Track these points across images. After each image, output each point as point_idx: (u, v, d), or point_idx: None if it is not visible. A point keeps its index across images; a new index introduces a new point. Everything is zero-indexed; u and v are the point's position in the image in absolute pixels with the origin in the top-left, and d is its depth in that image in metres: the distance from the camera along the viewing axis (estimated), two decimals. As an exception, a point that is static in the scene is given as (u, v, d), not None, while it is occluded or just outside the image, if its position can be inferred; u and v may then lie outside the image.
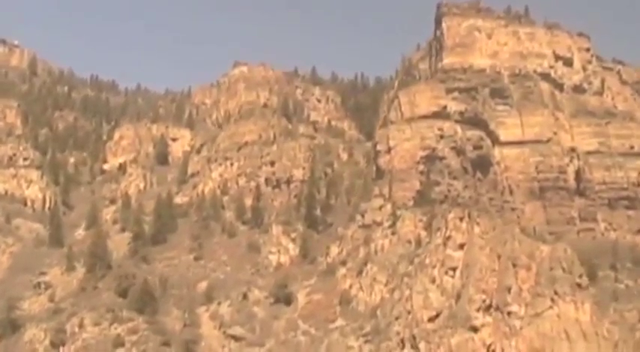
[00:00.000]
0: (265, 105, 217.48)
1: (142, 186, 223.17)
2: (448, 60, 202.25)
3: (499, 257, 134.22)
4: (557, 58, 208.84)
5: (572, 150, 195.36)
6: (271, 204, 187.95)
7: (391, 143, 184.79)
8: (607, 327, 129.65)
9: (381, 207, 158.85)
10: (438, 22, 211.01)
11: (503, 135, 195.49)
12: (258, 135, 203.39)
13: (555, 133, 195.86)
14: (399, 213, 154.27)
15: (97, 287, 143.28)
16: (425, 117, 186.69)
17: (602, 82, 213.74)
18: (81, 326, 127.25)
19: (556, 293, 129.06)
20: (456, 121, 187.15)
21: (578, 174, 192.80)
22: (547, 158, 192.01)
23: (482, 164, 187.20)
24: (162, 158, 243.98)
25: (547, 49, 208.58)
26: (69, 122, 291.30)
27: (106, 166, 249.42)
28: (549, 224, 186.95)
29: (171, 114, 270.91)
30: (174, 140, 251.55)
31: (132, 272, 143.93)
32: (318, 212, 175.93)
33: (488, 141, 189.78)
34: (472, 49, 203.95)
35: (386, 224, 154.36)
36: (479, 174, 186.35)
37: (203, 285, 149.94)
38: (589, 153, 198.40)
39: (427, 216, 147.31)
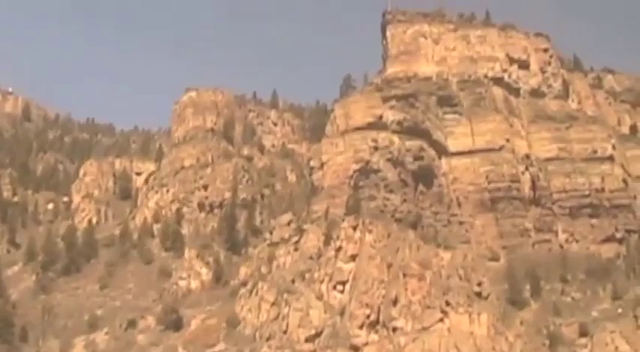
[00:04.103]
0: (212, 130, 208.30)
1: (94, 220, 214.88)
2: (392, 69, 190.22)
3: (389, 266, 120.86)
4: (512, 60, 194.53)
5: (527, 157, 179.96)
6: (203, 229, 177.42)
7: (324, 158, 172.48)
8: (510, 341, 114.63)
9: (289, 223, 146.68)
10: (383, 31, 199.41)
11: (452, 145, 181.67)
12: (196, 160, 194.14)
13: (508, 140, 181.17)
14: (304, 227, 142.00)
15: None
16: (359, 128, 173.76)
17: (565, 84, 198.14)
18: None
19: (448, 304, 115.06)
20: (394, 131, 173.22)
21: (533, 182, 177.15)
22: (498, 167, 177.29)
23: (425, 176, 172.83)
24: (126, 192, 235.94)
25: (500, 52, 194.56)
26: (50, 164, 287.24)
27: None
28: (502, 237, 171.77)
29: (139, 149, 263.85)
30: (138, 174, 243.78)
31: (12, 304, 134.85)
32: (241, 234, 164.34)
33: (432, 152, 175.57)
34: (417, 56, 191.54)
35: (292, 240, 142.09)
36: (421, 187, 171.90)
37: (94, 314, 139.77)
38: (548, 159, 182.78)
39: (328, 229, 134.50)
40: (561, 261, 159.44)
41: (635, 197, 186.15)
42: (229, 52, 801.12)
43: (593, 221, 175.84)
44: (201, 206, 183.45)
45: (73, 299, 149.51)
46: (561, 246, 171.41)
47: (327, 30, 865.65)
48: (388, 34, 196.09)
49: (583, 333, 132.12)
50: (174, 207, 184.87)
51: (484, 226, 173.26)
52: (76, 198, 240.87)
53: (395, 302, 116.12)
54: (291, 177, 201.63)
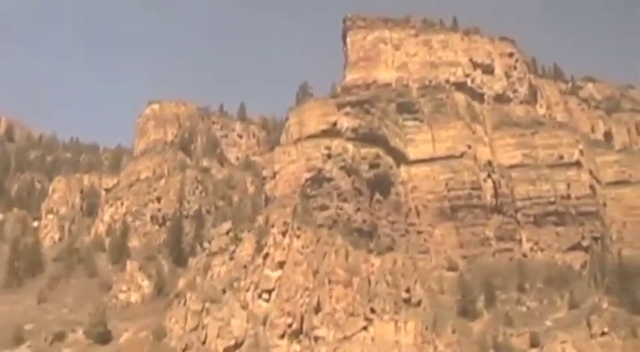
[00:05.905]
0: (173, 142, 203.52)
1: (57, 237, 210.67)
2: (350, 76, 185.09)
3: (315, 273, 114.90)
4: (475, 65, 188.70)
5: (490, 164, 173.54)
6: (155, 241, 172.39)
7: (276, 167, 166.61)
8: (439, 350, 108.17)
9: (228, 232, 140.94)
10: (344, 38, 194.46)
11: (412, 153, 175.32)
12: (152, 172, 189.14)
13: (470, 147, 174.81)
14: (241, 236, 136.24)
15: None
16: (313, 136, 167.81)
17: (533, 89, 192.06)
18: None
19: (373, 311, 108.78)
20: (349, 139, 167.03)
21: (495, 189, 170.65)
22: (458, 174, 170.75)
23: (382, 184, 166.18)
24: (93, 208, 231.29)
25: (463, 57, 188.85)
26: (27, 183, 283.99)
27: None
28: (462, 246, 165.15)
29: (108, 165, 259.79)
30: (107, 190, 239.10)
31: None
32: (189, 246, 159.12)
33: (389, 159, 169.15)
34: (376, 62, 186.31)
35: (229, 249, 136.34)
36: (377, 196, 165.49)
37: (21, 328, 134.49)
38: (512, 166, 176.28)
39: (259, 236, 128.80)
40: (519, 269, 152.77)
41: (604, 204, 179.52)
42: (206, 67, 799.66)
43: (559, 229, 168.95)
44: (153, 218, 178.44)
45: (7, 314, 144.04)
46: (525, 255, 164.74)
47: (303, 44, 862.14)
48: (348, 40, 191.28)
49: (534, 343, 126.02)
50: (126, 221, 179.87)
51: (443, 235, 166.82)
52: (44, 215, 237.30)
53: (318, 310, 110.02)
54: (252, 189, 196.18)
